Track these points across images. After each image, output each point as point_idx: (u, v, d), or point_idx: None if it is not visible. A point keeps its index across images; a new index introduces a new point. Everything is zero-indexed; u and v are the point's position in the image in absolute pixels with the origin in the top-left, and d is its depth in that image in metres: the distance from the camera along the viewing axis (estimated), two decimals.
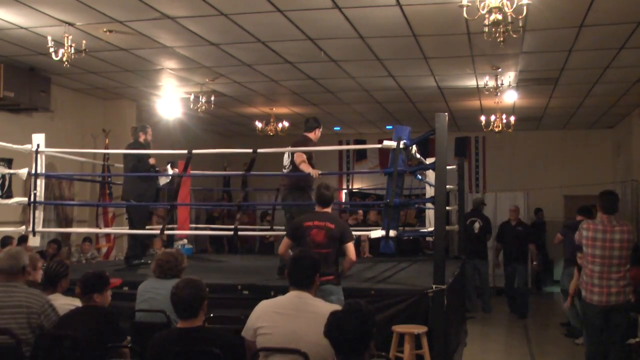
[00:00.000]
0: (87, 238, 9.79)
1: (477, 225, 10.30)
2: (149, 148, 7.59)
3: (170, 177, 7.88)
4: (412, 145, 6.38)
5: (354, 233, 8.70)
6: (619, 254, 5.21)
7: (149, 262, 7.29)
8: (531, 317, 10.04)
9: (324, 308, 3.15)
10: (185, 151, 6.83)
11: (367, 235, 6.89)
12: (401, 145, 6.10)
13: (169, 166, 8.00)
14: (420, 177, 7.47)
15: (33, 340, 3.83)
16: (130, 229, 7.66)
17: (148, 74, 9.61)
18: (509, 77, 9.39)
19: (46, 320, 3.88)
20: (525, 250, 10.32)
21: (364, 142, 14.83)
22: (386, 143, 6.27)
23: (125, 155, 7.59)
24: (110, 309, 3.97)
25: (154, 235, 9.47)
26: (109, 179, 9.99)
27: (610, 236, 5.23)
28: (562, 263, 13.60)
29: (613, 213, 5.38)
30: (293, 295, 3.43)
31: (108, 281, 4.04)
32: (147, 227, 9.00)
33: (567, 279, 7.86)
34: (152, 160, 7.45)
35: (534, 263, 10.81)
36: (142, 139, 7.52)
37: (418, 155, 6.97)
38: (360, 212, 11.22)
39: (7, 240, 7.92)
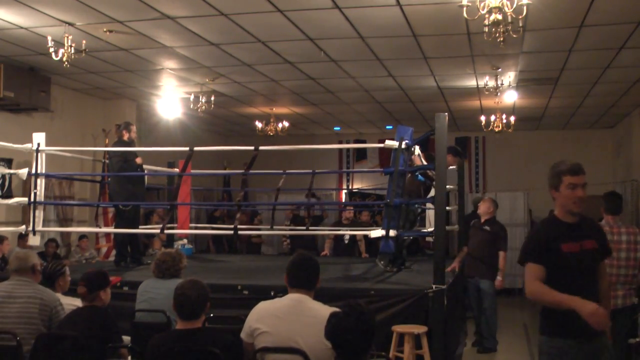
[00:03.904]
0: (84, 235, 9.77)
1: None
2: (133, 146, 7.41)
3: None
4: (413, 147, 6.39)
5: (352, 233, 8.89)
6: (625, 256, 5.19)
7: (144, 263, 7.28)
8: (531, 317, 10.02)
9: (322, 311, 3.10)
10: (187, 148, 6.81)
11: (366, 235, 6.89)
12: (403, 146, 6.10)
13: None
14: (420, 177, 7.46)
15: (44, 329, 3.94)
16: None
17: (148, 74, 9.61)
18: (509, 77, 9.39)
19: (55, 316, 4.01)
20: (492, 259, 7.43)
21: (364, 142, 14.83)
22: (388, 142, 6.27)
23: (110, 156, 7.44)
24: (108, 309, 3.98)
25: (152, 235, 9.47)
26: (109, 179, 9.95)
27: (617, 237, 5.20)
28: None
29: (618, 214, 5.36)
30: (293, 298, 3.34)
31: (109, 279, 4.07)
32: (147, 227, 8.98)
33: None
34: (139, 160, 7.25)
35: (498, 278, 7.41)
36: (126, 137, 7.33)
37: (423, 162, 6.97)
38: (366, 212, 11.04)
39: None
